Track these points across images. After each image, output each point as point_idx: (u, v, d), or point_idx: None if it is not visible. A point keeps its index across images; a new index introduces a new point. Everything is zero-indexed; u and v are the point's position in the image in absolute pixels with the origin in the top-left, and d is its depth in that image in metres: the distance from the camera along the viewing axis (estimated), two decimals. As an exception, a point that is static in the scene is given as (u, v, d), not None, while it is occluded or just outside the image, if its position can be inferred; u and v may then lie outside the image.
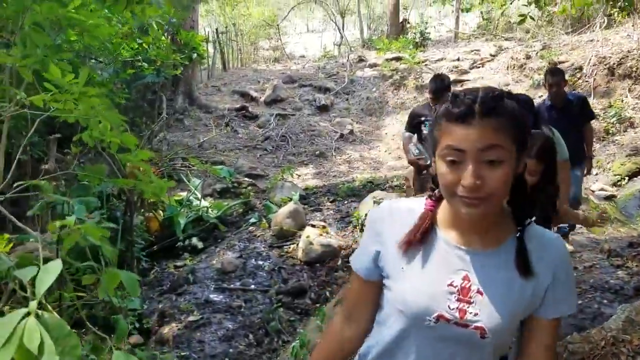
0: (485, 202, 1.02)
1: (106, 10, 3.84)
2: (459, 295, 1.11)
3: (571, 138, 4.38)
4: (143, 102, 8.71)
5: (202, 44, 11.75)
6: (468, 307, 1.10)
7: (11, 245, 2.34)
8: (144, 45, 5.00)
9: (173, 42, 9.59)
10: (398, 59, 13.12)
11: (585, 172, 4.85)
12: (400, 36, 15.72)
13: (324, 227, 5.90)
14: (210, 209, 7.12)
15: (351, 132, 10.56)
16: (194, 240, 6.39)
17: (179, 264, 5.86)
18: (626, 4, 3.84)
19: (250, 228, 6.55)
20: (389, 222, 1.22)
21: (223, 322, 4.52)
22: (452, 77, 12.06)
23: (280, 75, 13.49)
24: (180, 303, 4.84)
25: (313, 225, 5.88)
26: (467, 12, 14.13)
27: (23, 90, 2.43)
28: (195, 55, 6.94)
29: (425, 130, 4.42)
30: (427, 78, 11.74)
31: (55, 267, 1.18)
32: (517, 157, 1.04)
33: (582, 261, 4.12)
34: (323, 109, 11.65)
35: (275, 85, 12.03)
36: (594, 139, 5.94)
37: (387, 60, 13.25)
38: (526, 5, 4.49)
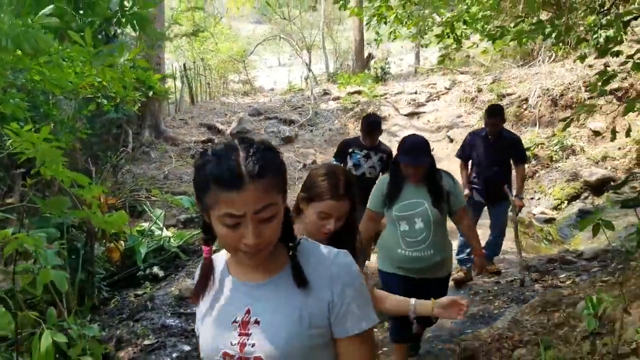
0: (266, 248, 1.10)
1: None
2: (240, 329, 1.15)
3: (497, 170, 4.69)
4: (108, 136, 8.94)
5: (167, 79, 12.08)
6: (247, 340, 1.13)
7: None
8: (103, 82, 5.29)
9: (138, 80, 9.89)
10: (359, 92, 13.68)
11: (517, 210, 4.94)
12: (365, 70, 16.34)
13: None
14: (172, 239, 7.32)
15: (314, 162, 10.89)
16: (155, 269, 6.55)
17: (139, 292, 6.02)
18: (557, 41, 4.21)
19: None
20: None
21: (178, 344, 4.71)
22: (410, 109, 12.65)
23: (247, 108, 13.87)
24: (137, 328, 5.02)
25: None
26: (425, 47, 14.84)
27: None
28: (151, 93, 7.27)
29: (350, 162, 4.69)
30: (385, 110, 12.30)
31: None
32: (283, 202, 1.12)
33: (507, 276, 4.49)
34: (288, 140, 12.02)
35: (241, 118, 12.38)
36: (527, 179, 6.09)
37: (349, 93, 13.79)
38: (444, 48, 4.93)
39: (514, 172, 4.95)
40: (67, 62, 3.95)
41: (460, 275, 4.87)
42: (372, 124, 4.60)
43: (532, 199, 8.02)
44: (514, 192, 4.83)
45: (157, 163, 10.16)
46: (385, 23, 4.45)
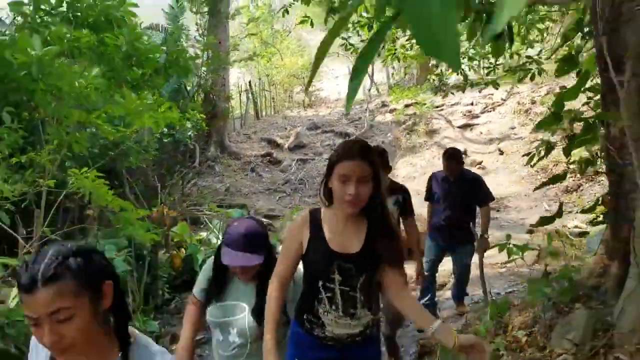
0: (69, 350, 1.16)
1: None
2: None
3: (458, 211, 4.49)
4: (176, 152, 10.03)
5: (232, 97, 13.11)
6: None
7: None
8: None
9: (205, 101, 11.01)
10: (414, 104, 14.05)
11: (483, 250, 4.55)
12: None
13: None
14: (227, 247, 8.18)
15: (364, 176, 11.44)
16: (211, 274, 7.42)
17: (197, 294, 6.90)
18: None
19: (259, 262, 7.55)
20: None
21: None
22: (463, 121, 12.86)
23: (307, 122, 14.66)
24: (191, 325, 5.85)
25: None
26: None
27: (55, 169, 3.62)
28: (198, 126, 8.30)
29: None
30: (436, 123, 12.59)
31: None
32: (92, 303, 1.18)
33: (505, 288, 4.84)
34: (341, 153, 12.61)
35: (298, 132, 13.17)
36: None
37: (405, 105, 14.20)
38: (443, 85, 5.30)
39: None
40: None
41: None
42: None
43: (570, 212, 8.11)
44: (479, 232, 4.57)
45: (221, 176, 11.16)
46: (399, 60, 4.97)
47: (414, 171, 11.38)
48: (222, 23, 11.43)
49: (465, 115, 13.27)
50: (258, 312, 2.10)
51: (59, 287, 1.11)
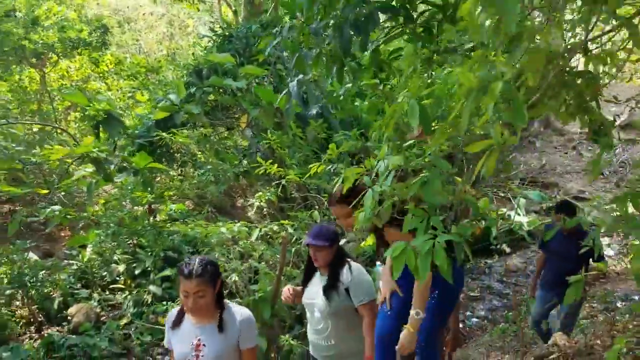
0: (199, 311, 2.29)
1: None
2: (195, 348, 2.35)
3: (569, 264, 4.05)
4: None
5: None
6: (200, 352, 2.33)
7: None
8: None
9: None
10: None
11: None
12: None
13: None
14: (525, 224, 7.72)
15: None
16: (504, 245, 8.05)
17: (488, 261, 7.79)
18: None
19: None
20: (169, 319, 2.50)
21: (492, 300, 6.30)
22: None
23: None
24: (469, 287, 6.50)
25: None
26: None
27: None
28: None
29: None
30: None
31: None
32: (213, 288, 2.29)
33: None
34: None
35: (632, 112, 9.85)
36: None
37: None
38: None
39: None
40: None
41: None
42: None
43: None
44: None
45: (540, 153, 10.06)
46: None
47: None
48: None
49: None
50: (326, 289, 2.86)
51: (201, 279, 2.24)
